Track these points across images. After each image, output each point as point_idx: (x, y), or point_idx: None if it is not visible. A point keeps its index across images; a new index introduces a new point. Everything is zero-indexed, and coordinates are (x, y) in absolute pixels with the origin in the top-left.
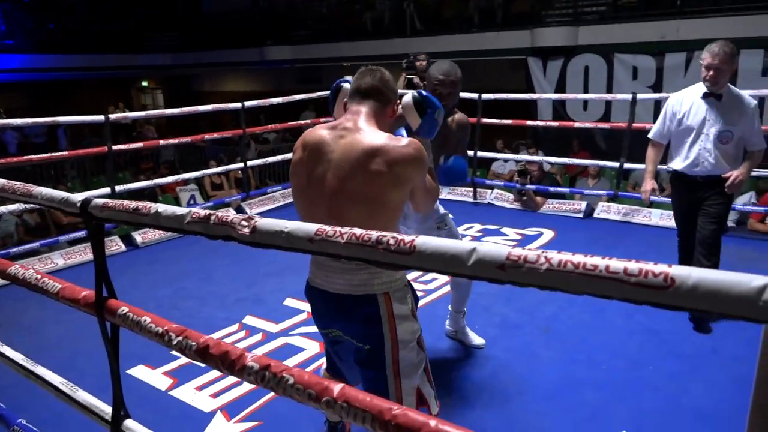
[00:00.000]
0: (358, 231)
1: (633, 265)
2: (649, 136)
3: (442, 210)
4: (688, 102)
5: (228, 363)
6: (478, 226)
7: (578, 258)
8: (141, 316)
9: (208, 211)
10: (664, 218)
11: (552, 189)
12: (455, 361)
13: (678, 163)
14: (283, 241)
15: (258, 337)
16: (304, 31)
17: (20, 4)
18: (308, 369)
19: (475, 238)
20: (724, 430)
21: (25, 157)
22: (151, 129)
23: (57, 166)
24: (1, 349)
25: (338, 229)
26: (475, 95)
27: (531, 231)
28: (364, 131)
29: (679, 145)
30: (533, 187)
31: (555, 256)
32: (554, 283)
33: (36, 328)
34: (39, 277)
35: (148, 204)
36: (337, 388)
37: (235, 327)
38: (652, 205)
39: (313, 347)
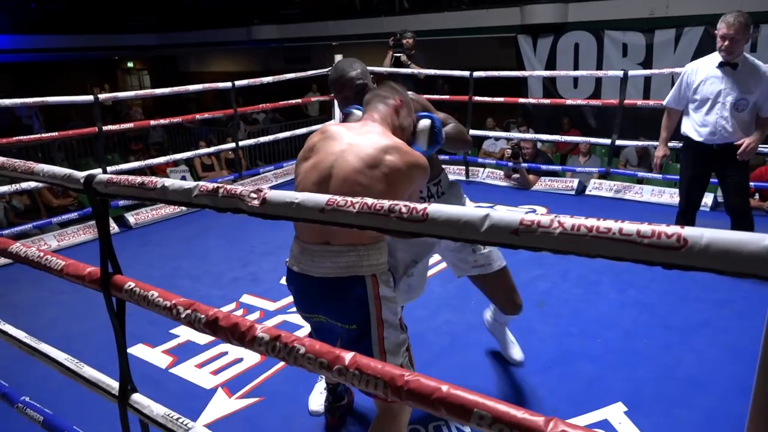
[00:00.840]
0: (369, 200)
1: (646, 227)
2: (664, 104)
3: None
4: (703, 71)
5: (238, 334)
6: (471, 204)
7: (591, 221)
8: (148, 290)
9: (216, 184)
10: (656, 194)
11: (544, 167)
12: (451, 336)
13: (694, 132)
14: (293, 211)
15: (256, 315)
16: (292, 10)
17: None
18: None
19: None
20: (717, 398)
21: (15, 138)
22: (138, 111)
23: (44, 148)
24: (3, 327)
25: (349, 198)
26: (466, 73)
27: (524, 208)
28: (381, 132)
29: (696, 114)
30: (526, 165)
31: (568, 221)
32: (568, 246)
33: (29, 309)
34: (42, 254)
35: (154, 179)
36: (348, 356)
37: (232, 306)
38: (642, 181)
39: None
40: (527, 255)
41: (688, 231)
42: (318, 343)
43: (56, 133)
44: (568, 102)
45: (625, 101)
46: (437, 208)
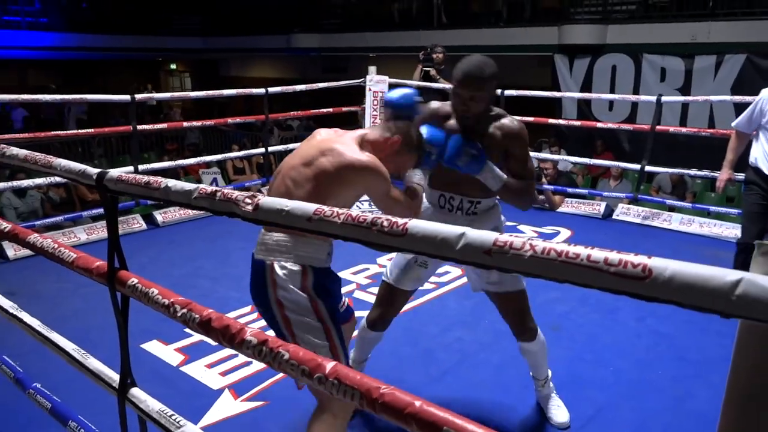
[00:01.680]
0: (354, 212)
1: (614, 256)
2: (732, 125)
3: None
4: None
5: (228, 336)
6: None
7: (561, 246)
8: (149, 287)
9: (214, 188)
10: (684, 223)
11: (570, 190)
12: (461, 353)
13: (764, 164)
14: (283, 219)
15: None
16: (332, 19)
17: None
18: None
19: None
20: None
21: (52, 133)
22: (177, 112)
23: (84, 144)
24: (20, 315)
25: (335, 209)
26: (497, 91)
27: (548, 229)
28: (343, 140)
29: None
30: (551, 187)
31: (540, 244)
32: (537, 269)
33: (52, 299)
34: (56, 246)
35: (159, 179)
36: (329, 365)
37: (247, 308)
38: (673, 209)
39: None
40: None
41: (653, 262)
42: (302, 350)
43: (92, 130)
44: (599, 125)
45: (657, 127)
46: (417, 224)
